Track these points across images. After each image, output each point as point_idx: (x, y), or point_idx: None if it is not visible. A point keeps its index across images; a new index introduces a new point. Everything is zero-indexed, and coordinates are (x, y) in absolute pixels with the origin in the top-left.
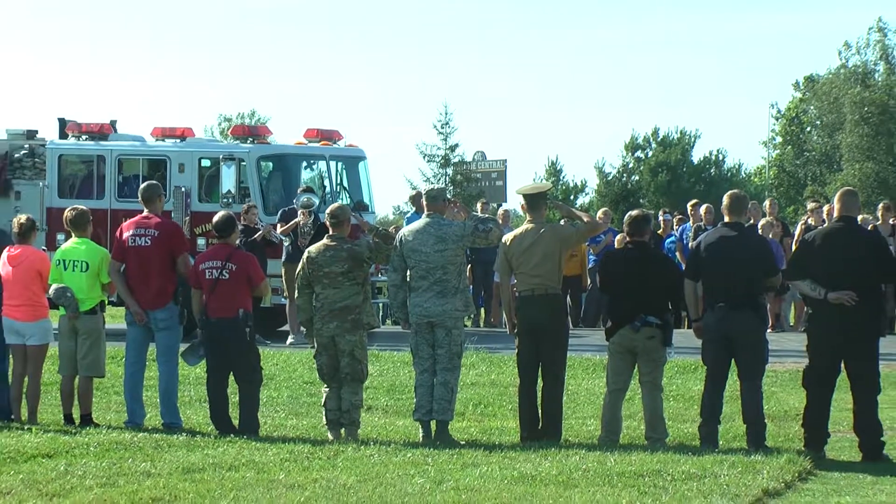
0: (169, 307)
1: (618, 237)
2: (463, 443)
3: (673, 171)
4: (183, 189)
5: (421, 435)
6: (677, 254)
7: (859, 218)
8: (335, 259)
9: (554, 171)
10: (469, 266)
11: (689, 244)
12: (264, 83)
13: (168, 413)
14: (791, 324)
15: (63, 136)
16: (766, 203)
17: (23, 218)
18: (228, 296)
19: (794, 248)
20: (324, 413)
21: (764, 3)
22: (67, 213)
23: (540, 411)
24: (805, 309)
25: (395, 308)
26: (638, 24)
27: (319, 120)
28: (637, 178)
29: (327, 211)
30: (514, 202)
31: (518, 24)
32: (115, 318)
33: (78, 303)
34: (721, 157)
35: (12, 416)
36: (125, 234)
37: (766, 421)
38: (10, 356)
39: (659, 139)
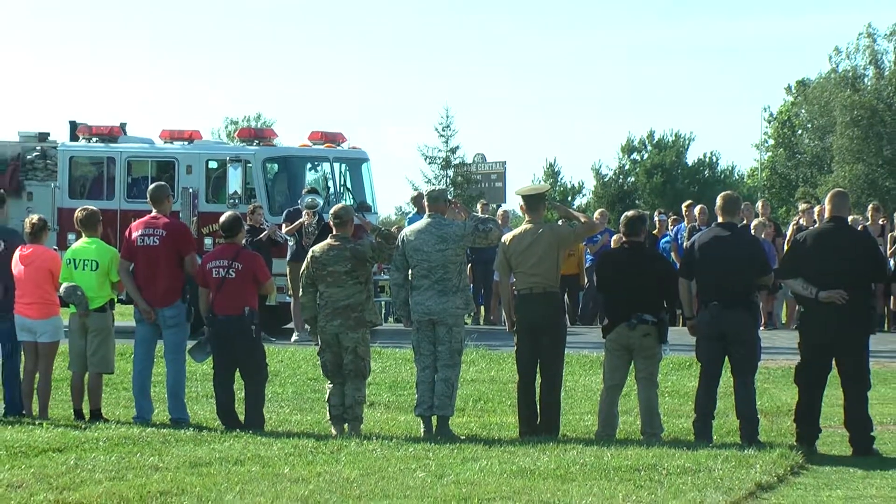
0: (177, 305)
1: (614, 237)
2: (463, 438)
3: (668, 172)
4: (191, 190)
5: (422, 430)
6: (672, 253)
7: (849, 219)
8: (339, 258)
9: (552, 173)
10: (469, 265)
11: (684, 244)
12: (270, 87)
13: (175, 408)
14: (783, 322)
15: (74, 138)
16: (759, 204)
17: (35, 218)
18: (235, 294)
19: (785, 248)
20: (327, 409)
21: (756, 9)
22: (78, 214)
23: (538, 407)
24: (797, 307)
25: (397, 306)
26: (634, 30)
27: (324, 122)
28: (633, 179)
29: (331, 211)
30: (514, 203)
31: (517, 29)
32: (123, 316)
33: (88, 301)
34: (715, 159)
35: (24, 412)
36: (134, 234)
37: (758, 416)
38: (22, 353)
39: (654, 142)
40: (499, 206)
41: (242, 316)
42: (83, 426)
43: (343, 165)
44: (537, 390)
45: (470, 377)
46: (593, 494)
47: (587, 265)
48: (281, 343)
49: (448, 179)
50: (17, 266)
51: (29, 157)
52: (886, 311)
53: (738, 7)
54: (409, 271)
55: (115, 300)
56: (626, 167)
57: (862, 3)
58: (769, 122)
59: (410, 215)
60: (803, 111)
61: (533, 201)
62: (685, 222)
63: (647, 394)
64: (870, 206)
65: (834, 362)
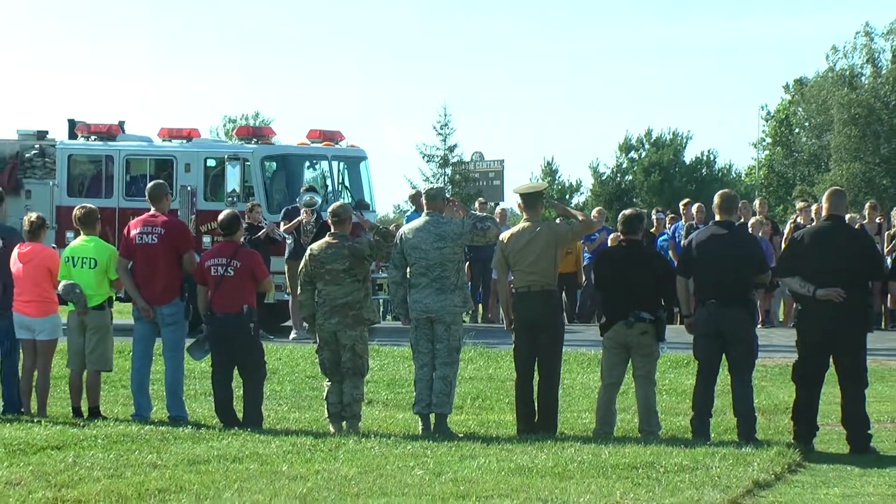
0: (175, 303)
1: (611, 235)
2: (461, 435)
3: (665, 171)
4: (189, 188)
5: (420, 428)
6: (669, 251)
7: (847, 217)
8: (337, 256)
9: (550, 171)
10: (467, 263)
11: (681, 242)
12: (268, 85)
13: (174, 406)
14: (780, 320)
15: (72, 136)
16: (756, 202)
17: (33, 216)
18: (233, 292)
19: (783, 246)
20: (325, 406)
21: (754, 8)
22: (76, 212)
23: (536, 405)
24: (794, 305)
25: (395, 304)
26: (632, 29)
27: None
28: (630, 177)
29: (329, 209)
30: (511, 201)
31: (515, 29)
32: (122, 314)
33: (86, 299)
34: (712, 157)
35: (22, 409)
36: (132, 232)
37: (756, 414)
38: (21, 351)
39: (652, 140)
40: (497, 204)
41: (241, 314)
42: (82, 424)
43: (341, 164)
44: (535, 388)
45: (468, 375)
46: (591, 492)
47: (585, 263)
48: (279, 341)
49: (446, 178)
50: (15, 264)
51: (27, 155)
52: (883, 310)
53: (735, 6)
54: (408, 269)
55: (114, 298)
56: (624, 165)
57: (859, 1)
58: (766, 121)
59: (409, 213)
60: (801, 110)
61: (531, 199)
62: (683, 221)
63: (645, 392)
64: (867, 205)
65: (831, 360)
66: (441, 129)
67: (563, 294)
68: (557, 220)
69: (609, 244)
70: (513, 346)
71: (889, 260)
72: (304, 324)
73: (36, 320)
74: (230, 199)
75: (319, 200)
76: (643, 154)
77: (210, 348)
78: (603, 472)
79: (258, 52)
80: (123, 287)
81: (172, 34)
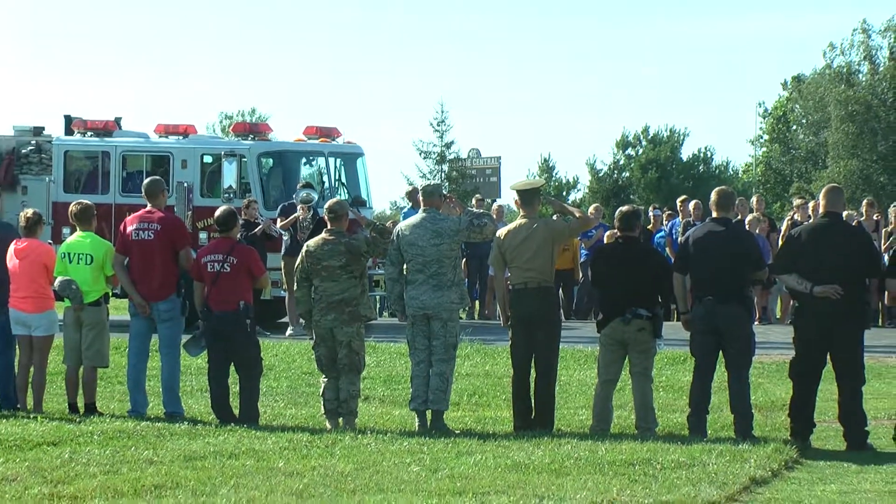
0: (171, 299)
1: (608, 232)
2: (458, 432)
3: (662, 168)
4: (185, 184)
5: (417, 424)
6: (667, 248)
7: (844, 214)
8: (333, 253)
9: (547, 168)
10: (464, 259)
11: (678, 239)
12: (265, 82)
13: (170, 402)
14: (777, 316)
15: (69, 132)
16: (754, 199)
17: (29, 212)
18: (230, 288)
19: (780, 243)
20: (322, 403)
21: (752, 5)
22: (72, 208)
23: (533, 401)
24: (791, 302)
25: (392, 301)
26: (630, 26)
27: (318, 117)
28: (627, 174)
29: (326, 206)
30: (508, 198)
31: (511, 25)
32: (118, 310)
33: (82, 295)
34: (709, 154)
35: (18, 405)
36: (129, 228)
37: (752, 411)
38: (17, 347)
39: (649, 137)
40: (494, 200)
41: (237, 310)
42: (78, 420)
43: (338, 160)
44: (532, 385)
45: (464, 371)
46: (587, 489)
47: (582, 260)
48: (275, 337)
49: (443, 174)
50: (11, 260)
51: (24, 151)
52: (880, 307)
53: (733, 3)
54: (404, 266)
55: (110, 294)
56: (621, 162)
57: None
58: (764, 118)
59: (405, 210)
60: (798, 107)
61: (528, 196)
62: (680, 217)
63: (642, 388)
64: (864, 202)
65: (828, 357)
66: (438, 125)
67: (560, 291)
68: (554, 217)
69: (605, 241)
70: (509, 342)
71: (886, 257)
72: (301, 320)
73: (32, 316)
74: (227, 195)
75: (316, 197)
76: (640, 151)
77: (206, 345)
78: (599, 469)
79: (255, 49)
80: (120, 283)
81: (169, 30)
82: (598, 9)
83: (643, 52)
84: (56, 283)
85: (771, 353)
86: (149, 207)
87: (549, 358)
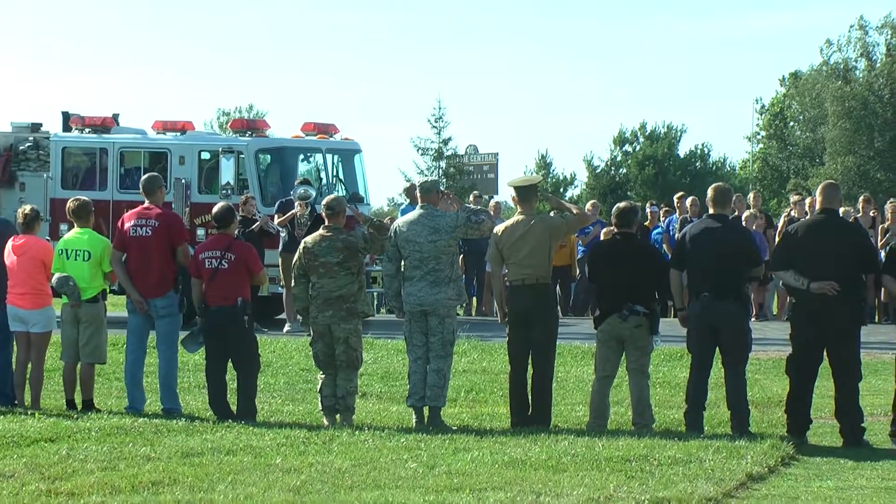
0: (169, 295)
1: (605, 229)
2: (455, 428)
3: (660, 164)
4: (183, 181)
5: (414, 420)
6: (664, 245)
7: (841, 210)
8: (331, 249)
9: (544, 165)
10: (461, 256)
11: (675, 235)
12: (262, 78)
13: (168, 399)
14: (774, 313)
15: (67, 128)
16: (751, 196)
17: (27, 208)
18: (227, 285)
19: (777, 239)
20: (319, 399)
21: (749, 2)
22: (70, 204)
23: (530, 398)
24: (788, 299)
25: (389, 297)
26: (627, 22)
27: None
28: (625, 171)
29: (323, 202)
30: (506, 194)
31: (509, 21)
32: (116, 307)
33: (80, 291)
34: (706, 150)
35: (16, 402)
36: (126, 225)
37: (749, 407)
38: (15, 343)
39: (646, 133)
40: (491, 197)
41: (235, 307)
42: (75, 416)
43: (335, 156)
44: (529, 381)
45: (462, 368)
46: (584, 485)
47: (579, 256)
48: (273, 334)
49: (440, 171)
50: (9, 256)
51: (21, 147)
52: (877, 303)
53: (731, 0)
54: (402, 262)
55: (108, 290)
56: (618, 159)
57: None
58: (761, 114)
59: (403, 206)
60: (795, 103)
61: (525, 192)
62: (677, 214)
63: (639, 385)
64: (861, 198)
65: (825, 353)
66: (435, 122)
67: (557, 287)
68: (552, 214)
69: (603, 237)
70: (507, 339)
71: (882, 253)
72: (298, 317)
73: (30, 313)
74: (224, 191)
75: (314, 193)
76: (637, 147)
77: (204, 341)
78: (596, 465)
79: (252, 45)
80: (117, 279)
81: (167, 27)
82: (596, 6)
83: (640, 49)
84: (54, 279)
85: (767, 350)
86: (146, 204)
87: (546, 354)
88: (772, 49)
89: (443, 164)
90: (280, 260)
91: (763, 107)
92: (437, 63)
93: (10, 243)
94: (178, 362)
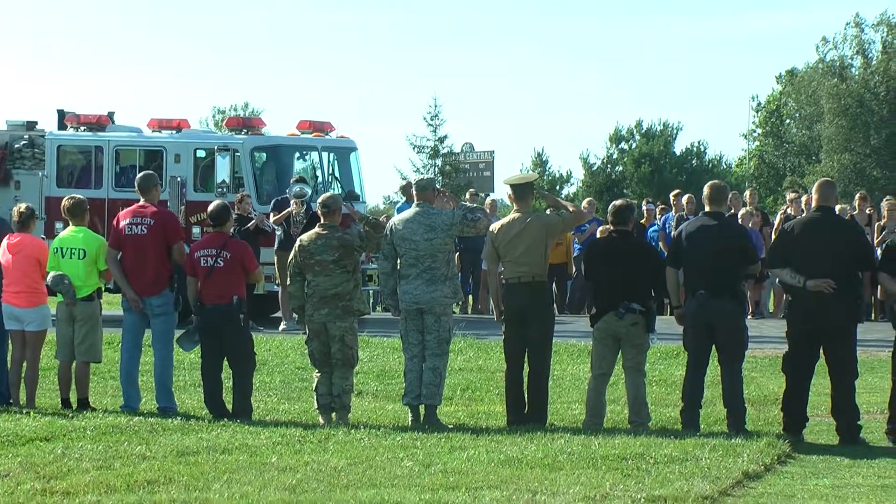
0: (164, 294)
1: (601, 227)
2: (451, 427)
3: (656, 162)
4: (179, 179)
5: (410, 419)
6: (660, 242)
7: (837, 208)
8: (326, 247)
9: (540, 162)
10: (457, 254)
11: (671, 233)
12: (258, 76)
13: (163, 397)
14: (770, 311)
15: (62, 127)
16: (747, 193)
17: (22, 207)
18: (223, 283)
19: (773, 237)
20: (315, 398)
21: (748, 2)
22: (65, 202)
23: (526, 396)
24: (784, 296)
25: (385, 295)
26: (623, 21)
27: (312, 112)
28: (621, 168)
29: (319, 200)
30: (502, 192)
31: (506, 19)
32: (111, 305)
33: (75, 290)
34: (703, 148)
35: (11, 401)
36: (122, 223)
37: (745, 405)
38: (10, 342)
39: (642, 131)
40: (487, 195)
41: (230, 305)
42: (70, 415)
43: (331, 154)
44: (525, 379)
45: (458, 366)
46: (581, 483)
47: (575, 254)
48: (269, 332)
49: (436, 168)
50: (4, 255)
51: (16, 145)
52: (873, 300)
53: None
54: (398, 260)
55: (103, 289)
56: (615, 156)
57: None
58: (757, 112)
59: (399, 204)
60: (791, 101)
61: (521, 190)
62: (673, 211)
63: (635, 383)
64: (857, 196)
65: (821, 351)
66: (431, 119)
67: (554, 285)
68: (548, 211)
69: (599, 235)
70: (503, 337)
71: (879, 251)
72: (294, 315)
73: (25, 311)
74: (220, 189)
75: (309, 191)
76: (634, 145)
77: (199, 339)
78: (593, 464)
79: (248, 43)
80: (113, 278)
81: (163, 25)
82: (594, 6)
83: (638, 48)
84: (49, 277)
85: (764, 348)
86: (142, 202)
87: (542, 352)
88: (768, 47)
89: (439, 161)
90: (276, 258)
91: (759, 104)
92: (435, 62)
93: (5, 242)
94: (174, 361)
